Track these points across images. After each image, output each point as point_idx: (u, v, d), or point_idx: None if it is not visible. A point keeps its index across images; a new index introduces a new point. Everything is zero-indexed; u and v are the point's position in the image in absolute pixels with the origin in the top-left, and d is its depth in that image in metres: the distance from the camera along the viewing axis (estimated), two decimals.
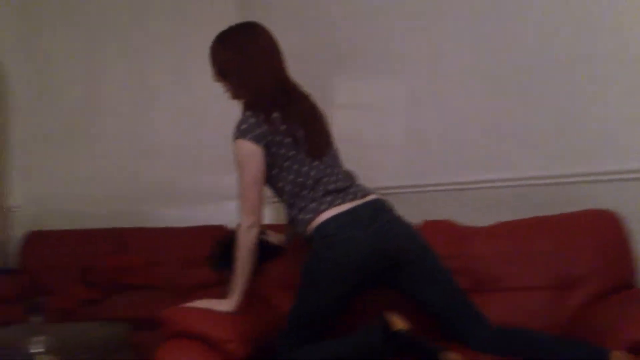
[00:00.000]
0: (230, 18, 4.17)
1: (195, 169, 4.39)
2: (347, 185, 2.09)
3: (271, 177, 2.08)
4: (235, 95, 2.16)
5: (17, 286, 3.88)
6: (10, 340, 1.71)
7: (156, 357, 1.91)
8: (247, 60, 2.08)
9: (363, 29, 3.32)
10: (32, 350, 1.23)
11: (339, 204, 2.01)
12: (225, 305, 2.09)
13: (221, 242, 2.32)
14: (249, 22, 2.20)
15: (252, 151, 2.01)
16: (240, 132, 2.02)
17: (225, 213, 4.17)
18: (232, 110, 4.22)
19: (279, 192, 2.12)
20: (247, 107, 2.07)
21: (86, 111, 4.59)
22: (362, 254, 1.96)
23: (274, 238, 2.37)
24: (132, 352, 3.23)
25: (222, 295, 2.15)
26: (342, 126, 3.38)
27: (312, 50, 3.49)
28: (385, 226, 2.02)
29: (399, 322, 1.91)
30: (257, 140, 2.00)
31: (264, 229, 2.29)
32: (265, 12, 3.76)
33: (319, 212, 2.00)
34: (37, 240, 4.36)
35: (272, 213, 4.10)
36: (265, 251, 2.25)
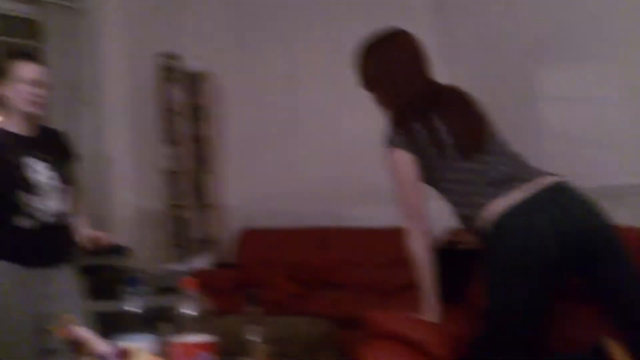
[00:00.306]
0: (425, 17, 4.17)
1: None
2: (515, 172, 1.95)
3: (429, 182, 2.04)
4: (382, 106, 2.14)
5: (233, 279, 4.21)
6: (229, 328, 1.83)
7: (359, 356, 1.93)
8: (385, 72, 2.08)
9: (568, 10, 3.05)
10: (250, 338, 1.30)
11: (510, 193, 1.87)
12: (425, 318, 2.04)
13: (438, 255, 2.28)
14: (391, 29, 2.16)
15: (402, 158, 2.04)
16: (388, 142, 2.07)
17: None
18: None
19: (442, 195, 2.06)
20: (391, 118, 2.09)
21: (292, 116, 4.85)
22: (543, 242, 1.81)
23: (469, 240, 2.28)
24: (334, 348, 3.33)
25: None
26: (548, 120, 3.17)
27: (508, 38, 3.29)
28: (565, 210, 1.85)
29: (619, 353, 1.72)
30: (405, 147, 2.02)
31: (456, 233, 2.24)
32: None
33: (489, 205, 1.88)
34: (250, 237, 4.71)
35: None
36: (458, 256, 2.19)
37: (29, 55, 2.31)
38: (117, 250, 4.08)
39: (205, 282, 3.91)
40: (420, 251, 2.00)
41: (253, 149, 5.01)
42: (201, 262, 4.64)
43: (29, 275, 2.16)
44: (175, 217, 5.00)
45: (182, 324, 1.26)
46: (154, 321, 1.33)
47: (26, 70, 2.20)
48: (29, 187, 2.19)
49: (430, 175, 2.03)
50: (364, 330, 2.04)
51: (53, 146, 2.39)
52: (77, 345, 1.13)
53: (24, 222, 2.17)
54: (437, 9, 4.14)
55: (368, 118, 4.46)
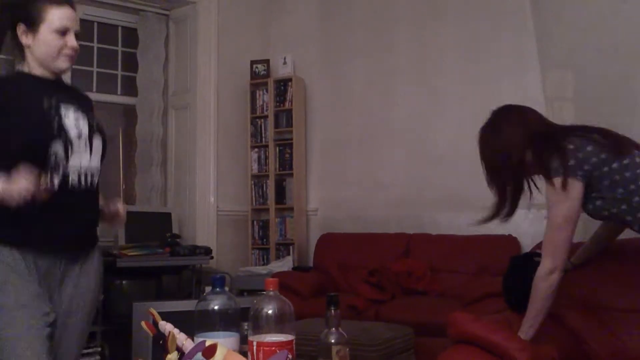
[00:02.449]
0: (525, 20, 4.06)
1: (479, 176, 4.27)
2: None
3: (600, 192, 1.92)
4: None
5: (313, 282, 4.24)
6: (308, 331, 1.85)
7: None
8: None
9: None
10: (330, 341, 1.31)
11: None
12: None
13: (514, 264, 2.22)
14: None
15: (578, 191, 1.89)
16: (562, 171, 1.92)
17: (510, 223, 3.99)
18: None
19: (617, 198, 1.92)
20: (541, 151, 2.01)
21: (376, 121, 4.84)
22: None
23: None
24: (413, 355, 3.29)
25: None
26: None
27: (611, 37, 3.13)
28: None
29: None
30: (578, 174, 1.89)
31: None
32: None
33: None
34: (329, 241, 4.73)
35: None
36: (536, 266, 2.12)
37: (65, 1, 1.87)
38: (200, 251, 4.23)
39: (286, 284, 4.00)
40: (549, 294, 1.92)
41: (336, 154, 5.04)
42: (282, 265, 4.71)
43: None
44: (257, 220, 5.11)
45: (262, 324, 1.28)
46: (236, 320, 1.36)
47: (58, 16, 1.80)
48: (65, 138, 1.76)
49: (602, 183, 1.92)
50: (448, 333, 2.00)
51: (81, 98, 1.98)
52: (164, 341, 1.17)
53: (54, 180, 1.72)
54: (534, 12, 4.02)
55: (454, 125, 4.43)
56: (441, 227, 4.32)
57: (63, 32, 1.82)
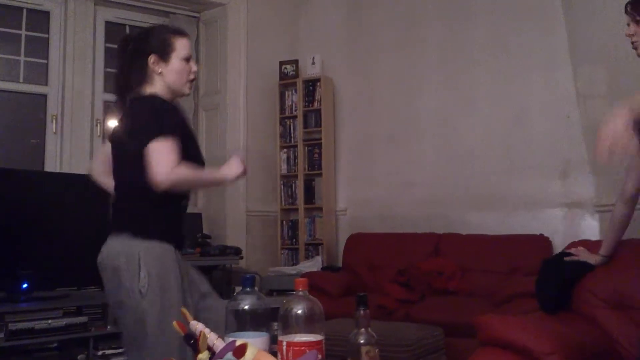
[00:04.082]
0: (556, 16, 4.01)
1: (509, 175, 4.24)
2: None
3: None
4: None
5: (342, 282, 4.24)
6: (338, 331, 1.85)
7: None
8: None
9: None
10: (359, 341, 1.31)
11: None
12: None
13: (548, 265, 2.22)
14: None
15: None
16: None
17: (542, 222, 3.96)
18: (554, 118, 4.02)
19: None
20: None
21: (405, 120, 4.82)
22: None
23: (587, 256, 2.25)
24: (444, 356, 3.27)
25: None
26: None
27: None
28: None
29: None
30: None
31: (576, 246, 2.19)
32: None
33: None
34: (358, 241, 4.72)
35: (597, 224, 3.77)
36: (569, 267, 2.14)
37: (184, 31, 2.14)
38: (230, 251, 4.27)
39: (315, 284, 4.00)
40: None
41: (365, 153, 5.04)
42: (311, 265, 4.72)
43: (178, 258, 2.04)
44: (287, 220, 5.13)
45: (292, 324, 1.29)
46: (266, 320, 1.37)
47: (184, 45, 2.06)
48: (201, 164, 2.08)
49: None
50: (478, 335, 1.99)
51: None
52: (194, 340, 1.19)
53: (184, 202, 2.10)
54: (565, 6, 3.96)
55: (483, 125, 4.39)
56: (471, 226, 4.28)
57: (187, 59, 2.06)
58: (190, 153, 1.98)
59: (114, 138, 2.09)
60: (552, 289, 2.06)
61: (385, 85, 4.95)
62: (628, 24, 2.03)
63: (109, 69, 4.64)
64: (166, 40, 2.03)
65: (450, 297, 3.87)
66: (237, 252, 4.30)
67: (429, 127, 4.67)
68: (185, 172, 1.91)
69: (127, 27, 4.82)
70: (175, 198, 2.01)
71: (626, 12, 2.04)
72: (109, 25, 4.74)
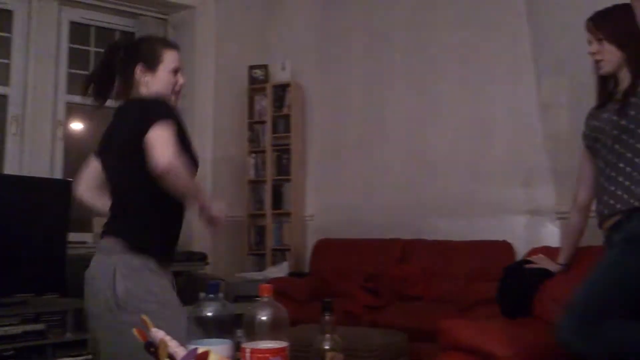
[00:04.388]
0: (521, 27, 4.08)
1: (474, 182, 4.30)
2: None
3: None
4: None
5: (309, 288, 4.23)
6: (303, 337, 1.84)
7: None
8: None
9: None
10: (324, 347, 1.30)
11: None
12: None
13: (509, 272, 2.26)
14: None
15: None
16: None
17: (505, 228, 4.02)
18: (520, 122, 4.09)
19: None
20: None
21: (373, 127, 4.84)
22: None
23: (546, 264, 2.31)
24: None
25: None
26: None
27: None
28: None
29: None
30: None
31: (537, 252, 2.23)
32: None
33: None
34: (326, 247, 4.73)
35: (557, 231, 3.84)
36: (528, 274, 2.21)
37: (174, 44, 2.14)
38: (196, 257, 4.22)
39: (281, 290, 3.99)
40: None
41: (334, 159, 5.04)
42: (278, 270, 4.70)
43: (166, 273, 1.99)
44: (254, 225, 5.10)
45: (256, 331, 1.27)
46: (230, 327, 1.35)
47: (173, 58, 2.06)
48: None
49: None
50: (440, 341, 2.01)
51: None
52: (155, 348, 1.17)
53: (181, 213, 2.05)
54: (529, 17, 4.04)
55: (449, 132, 4.44)
56: (436, 232, 4.32)
57: (175, 72, 2.06)
58: (186, 149, 1.97)
59: (103, 148, 2.05)
60: (512, 296, 2.10)
61: (354, 92, 4.97)
62: (590, 42, 2.06)
63: (72, 70, 4.55)
64: (155, 50, 2.04)
65: (415, 303, 3.90)
66: (202, 257, 4.25)
67: (397, 134, 4.71)
68: (184, 167, 1.82)
69: (93, 28, 4.75)
70: (175, 209, 1.99)
71: (587, 29, 2.08)
72: (74, 25, 4.65)
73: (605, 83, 2.09)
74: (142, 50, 2.05)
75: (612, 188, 1.97)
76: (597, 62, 2.06)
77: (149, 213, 1.93)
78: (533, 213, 4.01)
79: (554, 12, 3.88)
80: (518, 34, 4.12)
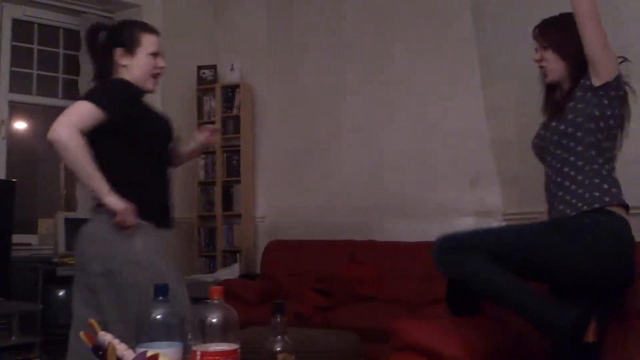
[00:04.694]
0: (468, 33, 4.15)
1: (425, 185, 4.36)
2: None
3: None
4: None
5: (260, 290, 4.21)
6: (254, 339, 1.83)
7: None
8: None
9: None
10: (275, 349, 1.30)
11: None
12: None
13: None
14: None
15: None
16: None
17: (453, 229, 4.08)
18: (468, 126, 4.16)
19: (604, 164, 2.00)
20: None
21: (325, 129, 4.85)
22: None
23: None
24: None
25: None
26: None
27: None
28: None
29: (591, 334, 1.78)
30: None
31: None
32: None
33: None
34: (277, 248, 4.71)
35: None
36: None
37: (153, 28, 2.22)
38: None
39: (232, 292, 3.95)
40: None
41: (285, 161, 5.03)
42: (229, 272, 4.66)
43: (159, 236, 2.21)
44: (204, 227, 5.05)
45: (207, 333, 1.26)
46: (179, 329, 1.33)
47: (152, 42, 2.16)
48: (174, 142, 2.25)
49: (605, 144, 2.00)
50: (391, 342, 2.02)
51: None
52: (103, 352, 1.14)
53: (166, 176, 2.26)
54: (475, 23, 4.12)
55: (401, 135, 4.49)
56: (388, 234, 4.36)
57: (155, 55, 2.15)
58: (148, 124, 2.11)
59: None
60: (460, 295, 2.13)
61: (308, 94, 4.97)
62: (536, 49, 2.11)
63: (15, 69, 4.41)
64: (134, 34, 2.12)
65: (367, 304, 3.92)
66: None
67: (348, 136, 4.73)
68: (74, 143, 1.88)
69: (36, 26, 4.60)
70: (153, 173, 2.16)
71: (534, 36, 2.13)
72: (17, 23, 4.50)
73: (552, 93, 2.13)
74: (121, 34, 2.13)
75: (561, 193, 2.00)
76: (541, 69, 2.11)
77: (119, 182, 2.00)
78: (481, 215, 4.09)
79: (501, 17, 3.97)
80: (466, 39, 4.20)
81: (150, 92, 2.20)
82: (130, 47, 2.11)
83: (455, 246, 1.97)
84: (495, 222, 3.99)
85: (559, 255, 1.90)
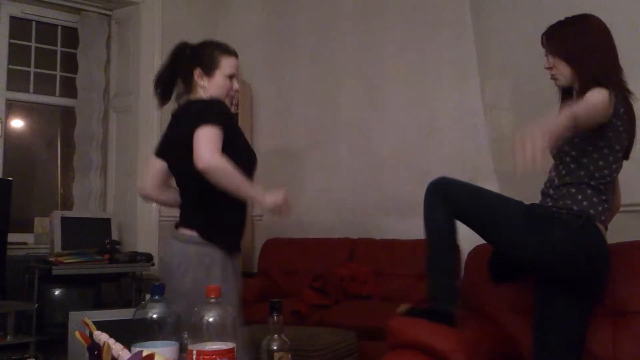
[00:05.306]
0: (466, 29, 4.16)
1: (421, 182, 4.33)
2: None
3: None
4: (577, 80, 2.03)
5: (257, 288, 4.21)
6: (253, 337, 1.84)
7: None
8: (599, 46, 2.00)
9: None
10: (272, 348, 1.30)
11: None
12: None
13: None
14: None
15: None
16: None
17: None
18: (466, 124, 4.17)
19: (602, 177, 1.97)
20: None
21: (321, 127, 4.86)
22: None
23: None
24: (357, 359, 3.31)
25: None
26: None
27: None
28: None
29: None
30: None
31: (481, 250, 2.33)
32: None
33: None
34: (274, 246, 4.71)
35: None
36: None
37: (233, 50, 2.30)
38: (141, 258, 4.13)
39: None
40: None
41: (282, 159, 5.02)
42: None
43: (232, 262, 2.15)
44: None
45: (203, 332, 1.26)
46: (176, 329, 1.33)
47: (230, 64, 2.23)
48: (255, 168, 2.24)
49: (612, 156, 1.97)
50: (387, 339, 2.03)
51: None
52: (98, 352, 1.14)
53: (243, 207, 2.17)
54: (474, 20, 4.12)
55: (397, 132, 4.49)
56: (385, 231, 4.36)
57: (231, 77, 2.21)
58: (239, 148, 2.11)
59: (165, 148, 2.23)
60: (502, 261, 2.15)
61: (303, 91, 4.97)
62: (546, 56, 2.11)
63: (13, 66, 4.40)
64: (213, 55, 2.20)
65: (364, 302, 3.93)
66: (148, 258, 4.16)
67: (345, 134, 4.73)
68: (225, 164, 1.91)
69: (34, 24, 4.59)
70: (236, 205, 2.09)
71: (542, 43, 2.12)
72: (15, 20, 4.49)
73: (568, 95, 2.11)
74: (201, 55, 2.20)
75: (552, 192, 2.04)
76: (552, 75, 2.10)
77: (212, 206, 2.04)
78: None
79: (497, 16, 3.97)
80: (463, 37, 4.20)
81: None
82: (209, 69, 2.18)
83: (437, 191, 2.27)
84: None
85: (517, 239, 2.00)
